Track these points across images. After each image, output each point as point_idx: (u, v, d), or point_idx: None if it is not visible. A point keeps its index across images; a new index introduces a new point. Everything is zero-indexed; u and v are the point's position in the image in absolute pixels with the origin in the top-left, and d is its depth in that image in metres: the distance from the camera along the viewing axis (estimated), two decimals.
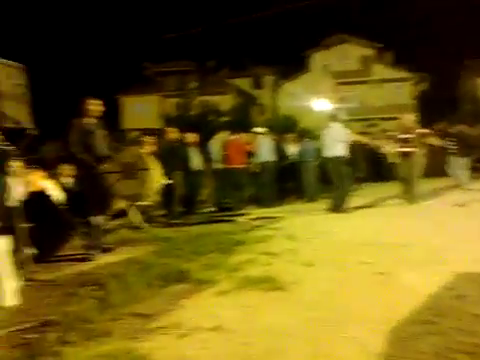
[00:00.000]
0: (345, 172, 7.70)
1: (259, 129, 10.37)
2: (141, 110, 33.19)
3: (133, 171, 5.29)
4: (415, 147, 8.20)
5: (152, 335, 2.70)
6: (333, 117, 8.07)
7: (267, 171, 9.54)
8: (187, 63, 36.36)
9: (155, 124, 27.37)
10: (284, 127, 20.60)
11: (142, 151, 6.37)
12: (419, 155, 8.31)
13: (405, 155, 8.25)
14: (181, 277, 3.90)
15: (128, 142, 8.10)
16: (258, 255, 4.64)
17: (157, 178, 5.58)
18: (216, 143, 10.01)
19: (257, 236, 5.81)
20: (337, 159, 7.64)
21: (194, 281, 3.79)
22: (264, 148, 9.61)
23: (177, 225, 7.32)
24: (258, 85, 36.76)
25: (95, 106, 5.21)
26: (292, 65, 33.88)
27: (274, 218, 7.40)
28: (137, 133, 25.16)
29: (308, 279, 3.70)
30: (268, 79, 36.30)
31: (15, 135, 3.62)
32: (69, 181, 8.90)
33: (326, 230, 5.92)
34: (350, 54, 33.64)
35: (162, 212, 8.54)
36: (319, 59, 34.12)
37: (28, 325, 2.92)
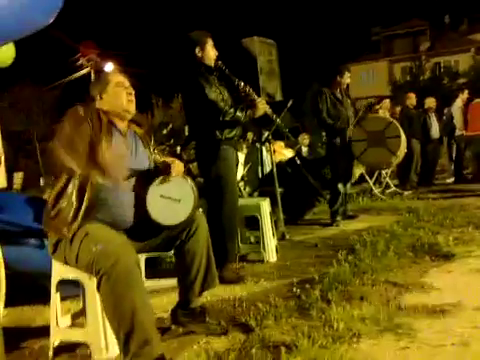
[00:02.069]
0: None
1: None
2: (369, 77, 32.45)
3: (381, 139, 5.24)
4: None
5: (410, 306, 2.66)
6: None
7: None
8: (418, 22, 33.75)
9: (383, 91, 26.47)
10: None
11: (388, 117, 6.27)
12: None
13: None
14: (431, 250, 3.74)
15: (363, 110, 8.03)
16: None
17: (403, 146, 5.42)
18: (456, 108, 9.16)
19: None
20: None
21: (445, 255, 3.59)
22: None
23: (415, 195, 7.04)
24: None
25: (344, 77, 5.44)
26: None
27: None
28: (366, 101, 24.82)
29: None
30: None
31: (272, 107, 3.93)
32: (305, 150, 9.43)
33: None
34: None
35: (397, 182, 8.34)
36: None
37: (292, 280, 3.22)
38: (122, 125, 2.36)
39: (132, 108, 2.37)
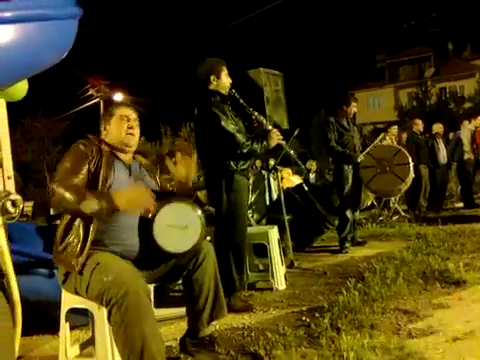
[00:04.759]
0: None
1: None
2: (375, 103, 32.71)
3: (390, 166, 5.29)
4: None
5: (421, 334, 2.63)
6: None
7: None
8: (422, 49, 34.14)
9: (390, 117, 26.62)
10: None
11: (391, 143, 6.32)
12: None
13: None
14: (441, 277, 3.71)
15: (368, 136, 8.10)
16: None
17: (411, 173, 5.45)
18: (464, 133, 9.18)
19: None
20: None
21: (456, 282, 3.56)
22: None
23: (424, 221, 7.01)
24: None
25: (351, 107, 5.51)
26: None
27: None
28: (372, 127, 25.13)
29: None
30: None
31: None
32: (313, 176, 9.46)
33: None
34: None
35: (406, 207, 8.31)
36: None
37: (302, 309, 3.20)
38: (125, 157, 2.39)
39: (131, 142, 2.38)
